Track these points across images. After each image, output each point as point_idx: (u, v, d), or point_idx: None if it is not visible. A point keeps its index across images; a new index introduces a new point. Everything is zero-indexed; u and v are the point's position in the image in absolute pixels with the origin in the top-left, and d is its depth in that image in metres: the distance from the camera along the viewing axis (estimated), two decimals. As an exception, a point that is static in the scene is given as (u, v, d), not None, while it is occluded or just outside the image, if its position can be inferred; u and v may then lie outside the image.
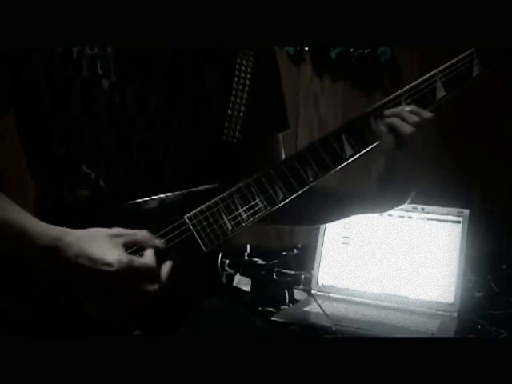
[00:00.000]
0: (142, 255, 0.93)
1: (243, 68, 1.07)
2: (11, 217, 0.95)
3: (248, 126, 1.08)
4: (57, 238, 0.92)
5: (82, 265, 0.90)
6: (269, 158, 1.13)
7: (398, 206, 1.09)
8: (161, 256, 0.94)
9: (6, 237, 0.95)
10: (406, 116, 1.00)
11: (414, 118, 1.00)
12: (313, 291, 1.55)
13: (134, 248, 0.94)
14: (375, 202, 1.08)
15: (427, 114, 1.01)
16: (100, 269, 0.89)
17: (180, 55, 1.03)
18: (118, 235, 0.93)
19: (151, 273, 0.92)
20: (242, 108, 1.07)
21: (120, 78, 1.01)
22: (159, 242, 0.96)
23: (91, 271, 0.89)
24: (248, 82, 1.07)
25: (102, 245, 0.91)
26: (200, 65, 1.05)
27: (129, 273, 0.89)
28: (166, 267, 0.94)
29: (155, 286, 0.92)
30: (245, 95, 1.07)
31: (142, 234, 0.95)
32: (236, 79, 1.07)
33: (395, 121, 1.00)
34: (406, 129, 0.99)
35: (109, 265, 0.89)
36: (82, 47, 0.99)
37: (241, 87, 1.07)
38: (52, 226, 0.94)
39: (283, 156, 1.17)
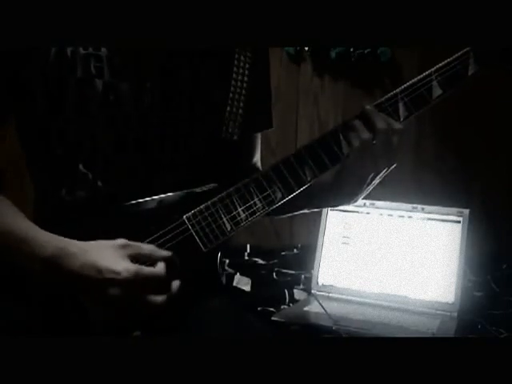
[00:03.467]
0: (151, 265, 0.92)
1: (241, 64, 1.07)
2: (13, 226, 0.94)
3: (245, 123, 1.08)
4: (60, 247, 0.91)
5: (87, 275, 0.88)
6: (251, 154, 1.18)
7: (349, 202, 1.10)
8: (171, 266, 0.93)
9: (8, 246, 0.93)
10: (375, 122, 1.00)
11: (382, 126, 1.00)
12: (313, 291, 1.55)
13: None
14: (330, 196, 1.10)
15: (397, 126, 1.01)
16: (107, 277, 0.87)
17: (176, 52, 1.03)
18: (124, 246, 0.91)
19: (160, 283, 0.90)
20: (241, 104, 1.07)
21: (114, 77, 1.01)
22: (166, 253, 0.94)
23: (97, 281, 0.88)
24: (246, 78, 1.08)
25: (108, 255, 0.90)
26: (197, 61, 1.05)
27: (137, 282, 0.88)
28: (177, 281, 0.93)
29: (164, 298, 0.90)
30: (243, 91, 1.07)
31: (147, 247, 0.94)
32: (235, 75, 1.07)
33: (359, 125, 1.01)
34: (366, 135, 1.00)
35: (116, 273, 0.87)
36: (78, 47, 0.99)
37: (239, 83, 1.07)
38: (55, 236, 0.93)
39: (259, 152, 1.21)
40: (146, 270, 0.90)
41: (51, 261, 0.90)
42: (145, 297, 0.89)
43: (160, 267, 0.92)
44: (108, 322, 0.94)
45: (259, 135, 1.21)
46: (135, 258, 0.91)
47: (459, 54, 1.04)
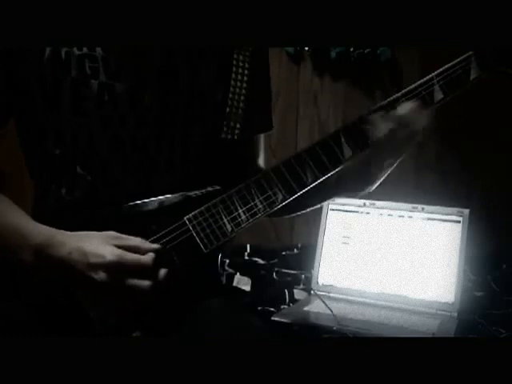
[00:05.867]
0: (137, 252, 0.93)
1: (240, 64, 1.07)
2: (6, 218, 0.95)
3: (245, 124, 1.08)
4: (49, 235, 0.92)
5: (75, 260, 0.89)
6: (251, 156, 1.18)
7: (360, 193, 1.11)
8: (160, 257, 0.94)
9: (1, 237, 0.95)
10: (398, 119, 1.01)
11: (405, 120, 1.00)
12: (313, 291, 1.54)
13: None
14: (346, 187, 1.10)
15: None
16: (92, 261, 0.89)
17: (174, 51, 1.03)
18: (113, 237, 0.92)
19: (145, 269, 0.91)
20: (241, 104, 1.07)
21: (109, 78, 1.01)
22: (154, 246, 0.95)
23: (83, 265, 0.89)
24: (246, 78, 1.07)
25: (95, 242, 0.91)
26: (195, 61, 1.05)
27: (121, 266, 0.89)
28: (165, 268, 0.94)
29: (149, 283, 0.91)
30: (243, 91, 1.07)
31: (136, 240, 0.94)
32: (234, 75, 1.07)
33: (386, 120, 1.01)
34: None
35: (101, 256, 0.89)
36: (75, 47, 0.99)
37: (239, 83, 1.07)
38: (45, 226, 0.94)
39: (262, 154, 1.21)
40: (130, 256, 0.91)
41: (40, 249, 0.91)
42: (130, 281, 0.90)
43: (147, 255, 0.92)
44: (105, 314, 0.94)
45: (261, 136, 1.20)
46: (123, 249, 0.92)
47: (461, 58, 1.03)
